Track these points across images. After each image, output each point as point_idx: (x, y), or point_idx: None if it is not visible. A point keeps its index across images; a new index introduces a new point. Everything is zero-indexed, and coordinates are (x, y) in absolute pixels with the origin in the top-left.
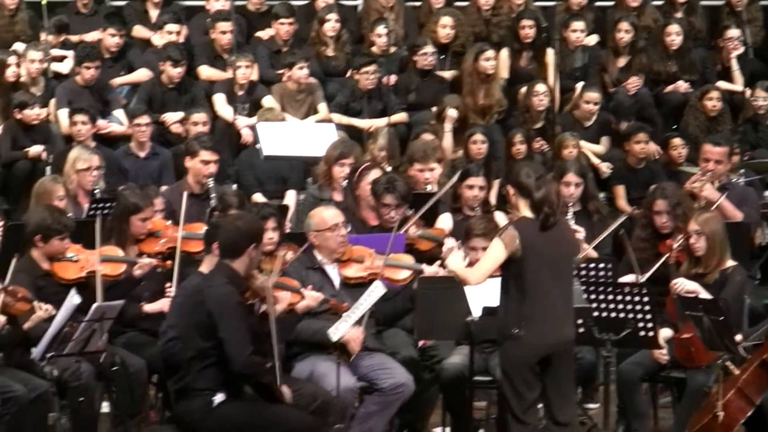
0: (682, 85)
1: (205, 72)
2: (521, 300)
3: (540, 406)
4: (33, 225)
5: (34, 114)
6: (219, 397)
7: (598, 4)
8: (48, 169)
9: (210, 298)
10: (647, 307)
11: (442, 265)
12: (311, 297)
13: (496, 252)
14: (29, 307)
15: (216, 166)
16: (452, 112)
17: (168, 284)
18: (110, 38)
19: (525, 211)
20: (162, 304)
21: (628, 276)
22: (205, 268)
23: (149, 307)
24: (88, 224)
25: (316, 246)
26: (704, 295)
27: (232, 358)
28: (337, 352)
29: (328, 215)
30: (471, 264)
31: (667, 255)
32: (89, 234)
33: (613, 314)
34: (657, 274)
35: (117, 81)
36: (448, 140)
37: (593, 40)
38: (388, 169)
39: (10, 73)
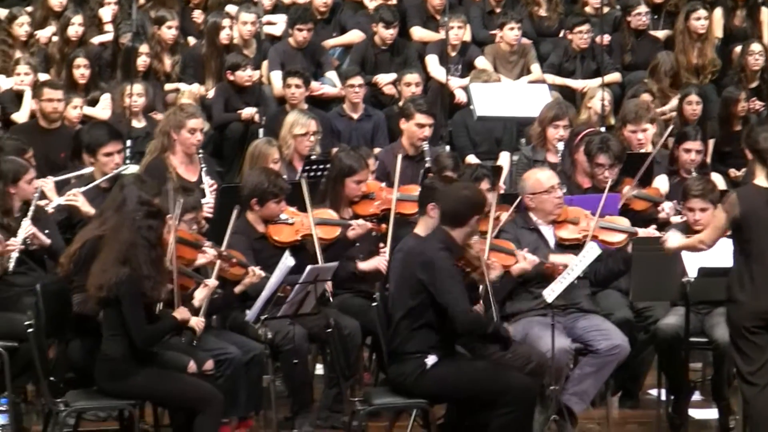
0: None
1: (418, 33)
2: (745, 265)
3: None
4: (249, 188)
5: (246, 76)
6: (431, 359)
7: None
8: (261, 131)
9: (425, 261)
10: None
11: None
12: (528, 260)
13: (717, 219)
14: (244, 271)
15: (431, 130)
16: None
17: (381, 245)
18: None
19: (760, 176)
20: (377, 262)
21: None
22: (420, 230)
23: (364, 265)
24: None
25: (531, 208)
26: None
27: (456, 316)
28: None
29: (543, 177)
30: (689, 225)
31: None
32: (304, 196)
33: None
34: None
35: (329, 43)
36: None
37: None
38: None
39: (223, 36)
